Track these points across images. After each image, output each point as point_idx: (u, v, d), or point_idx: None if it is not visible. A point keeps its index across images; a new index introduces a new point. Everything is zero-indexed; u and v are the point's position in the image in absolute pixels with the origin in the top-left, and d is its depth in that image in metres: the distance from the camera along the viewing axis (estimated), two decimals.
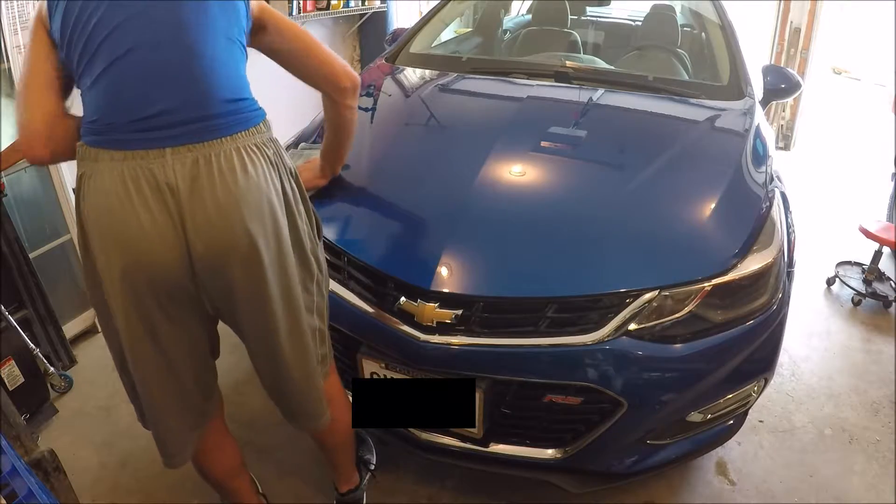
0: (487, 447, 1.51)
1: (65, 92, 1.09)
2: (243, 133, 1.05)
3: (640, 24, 3.13)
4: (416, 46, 2.56)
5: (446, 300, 1.37)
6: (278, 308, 1.12)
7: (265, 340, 1.15)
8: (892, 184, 3.25)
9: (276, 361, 1.18)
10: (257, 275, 1.07)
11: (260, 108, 1.12)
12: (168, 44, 1.00)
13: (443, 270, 1.39)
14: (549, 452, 1.49)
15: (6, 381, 1.87)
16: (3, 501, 0.92)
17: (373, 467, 1.70)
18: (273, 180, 1.08)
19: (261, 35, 1.18)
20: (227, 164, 1.02)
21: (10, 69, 2.01)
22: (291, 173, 1.16)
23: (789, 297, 1.57)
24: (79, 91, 1.06)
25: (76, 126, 1.06)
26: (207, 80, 1.02)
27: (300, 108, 3.80)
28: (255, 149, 1.06)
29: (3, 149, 2.03)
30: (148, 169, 0.98)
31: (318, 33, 4.06)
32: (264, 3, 1.19)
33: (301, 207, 1.17)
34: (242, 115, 1.06)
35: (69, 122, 1.07)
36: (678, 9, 2.99)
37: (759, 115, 2.04)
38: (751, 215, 1.55)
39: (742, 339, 1.43)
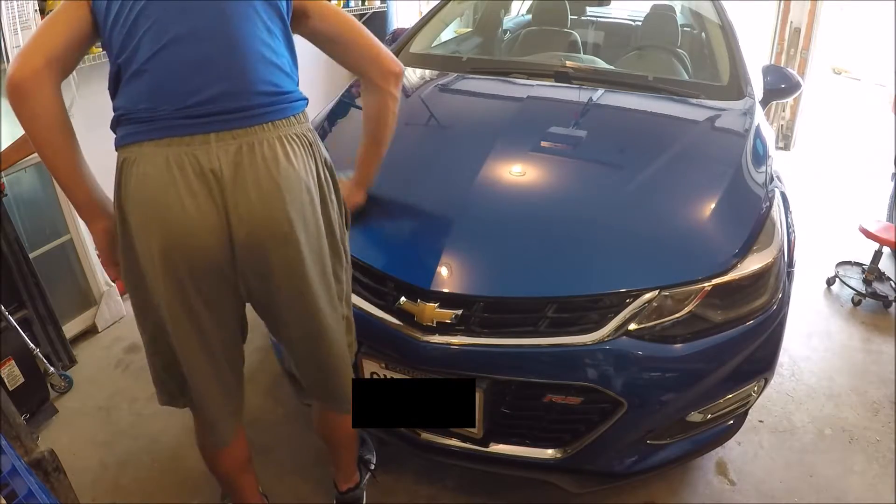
0: (487, 447, 1.51)
1: (72, 63, 1.08)
2: (283, 122, 1.07)
3: (640, 24, 3.13)
4: (416, 46, 2.56)
5: (446, 300, 1.37)
6: (318, 291, 1.15)
7: (306, 323, 1.18)
8: (892, 184, 3.25)
9: (317, 343, 1.22)
10: (297, 259, 1.09)
11: (302, 97, 1.14)
12: (209, 35, 1.02)
13: (443, 270, 1.39)
14: (549, 452, 1.49)
15: (6, 381, 1.87)
16: (3, 501, 0.92)
17: (373, 467, 1.71)
18: (311, 169, 1.11)
19: (304, 21, 1.19)
20: (270, 151, 1.04)
21: None
22: (326, 163, 1.18)
23: (789, 297, 1.57)
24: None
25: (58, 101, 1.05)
26: (247, 71, 1.04)
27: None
28: (294, 137, 1.09)
29: (3, 149, 2.04)
30: (193, 155, 1.00)
31: None
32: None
33: (334, 196, 1.20)
34: (282, 104, 1.08)
35: (56, 89, 1.05)
36: (678, 9, 2.99)
37: (759, 115, 2.04)
38: (751, 215, 1.55)
39: (742, 339, 1.43)
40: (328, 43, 1.25)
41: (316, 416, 1.47)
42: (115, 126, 1.07)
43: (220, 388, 1.22)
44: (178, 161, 1.00)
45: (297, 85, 1.16)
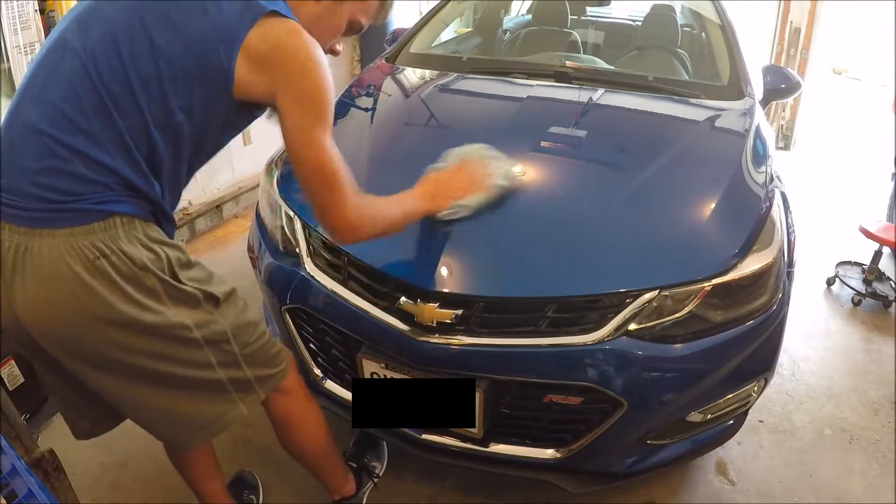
0: (487, 447, 1.51)
1: None
2: (67, 230, 0.97)
3: (640, 24, 3.13)
4: (416, 46, 2.55)
5: (446, 300, 1.37)
6: (112, 384, 1.11)
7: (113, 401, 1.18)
8: (892, 184, 3.25)
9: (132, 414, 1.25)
10: (75, 366, 1.08)
11: (109, 204, 0.99)
12: (25, 108, 1.00)
13: (443, 270, 1.39)
14: (549, 452, 1.49)
15: (6, 381, 1.87)
16: (3, 501, 0.92)
17: (377, 478, 1.70)
18: (96, 287, 0.98)
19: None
20: (47, 259, 0.97)
21: (10, 69, 2.02)
22: (146, 270, 1.02)
23: (789, 297, 1.57)
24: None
25: None
26: (25, 169, 0.98)
27: None
28: (73, 250, 0.97)
29: None
30: None
31: None
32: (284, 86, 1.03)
33: (166, 299, 1.05)
34: (66, 212, 0.97)
35: None
36: (678, 9, 2.99)
37: (759, 116, 2.04)
38: (751, 215, 1.55)
39: (742, 339, 1.43)
40: None
41: (278, 438, 1.44)
42: None
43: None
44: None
45: (130, 189, 1.00)
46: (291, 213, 1.62)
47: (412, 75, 2.33)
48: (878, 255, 2.88)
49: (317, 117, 1.05)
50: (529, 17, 3.29)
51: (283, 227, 1.64)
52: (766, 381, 1.60)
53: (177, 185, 1.13)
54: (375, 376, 1.50)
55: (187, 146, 1.07)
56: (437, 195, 1.40)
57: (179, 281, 1.07)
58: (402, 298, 1.39)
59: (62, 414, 1.27)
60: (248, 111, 1.09)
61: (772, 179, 1.76)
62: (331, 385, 1.65)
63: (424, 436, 1.54)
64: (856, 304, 2.82)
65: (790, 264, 1.61)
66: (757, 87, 2.24)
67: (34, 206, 0.96)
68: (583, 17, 3.39)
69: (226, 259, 3.06)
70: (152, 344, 1.06)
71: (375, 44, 4.14)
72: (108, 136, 0.97)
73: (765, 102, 2.28)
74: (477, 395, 1.40)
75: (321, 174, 1.09)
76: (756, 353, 1.48)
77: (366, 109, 2.11)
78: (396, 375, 1.46)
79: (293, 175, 1.16)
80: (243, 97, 1.03)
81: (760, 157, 1.80)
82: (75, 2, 2.15)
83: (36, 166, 0.96)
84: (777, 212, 1.62)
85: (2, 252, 0.98)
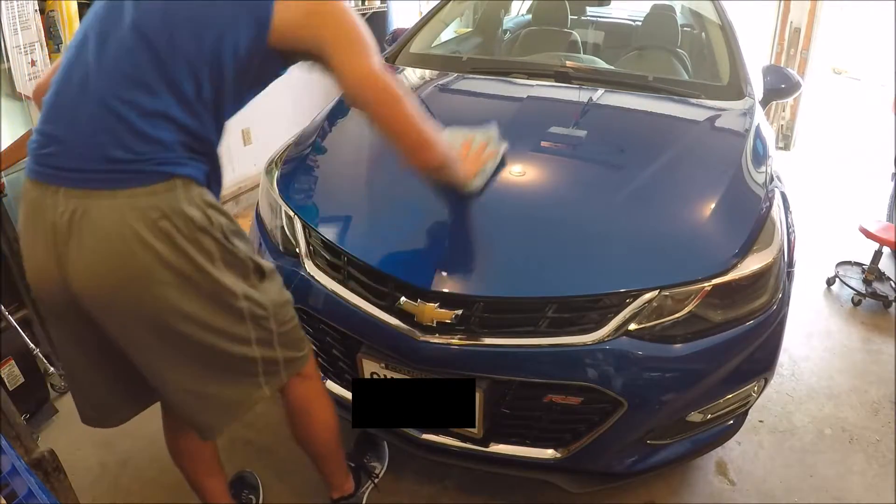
0: (487, 447, 1.51)
1: None
2: (128, 191, 0.99)
3: (640, 24, 3.13)
4: (416, 46, 2.55)
5: (446, 300, 1.37)
6: (162, 367, 1.12)
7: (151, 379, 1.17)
8: (892, 184, 3.25)
9: (164, 396, 1.22)
10: (128, 333, 1.07)
11: (169, 165, 1.01)
12: (85, 73, 1.01)
13: (443, 270, 1.39)
14: (549, 452, 1.49)
15: (6, 381, 1.87)
16: (3, 501, 0.92)
17: (377, 477, 1.69)
18: (157, 247, 1.00)
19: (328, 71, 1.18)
20: (107, 220, 0.99)
21: (10, 69, 2.02)
22: (205, 232, 1.05)
23: (789, 297, 1.57)
24: None
25: None
26: (93, 132, 0.99)
27: (302, 109, 3.81)
28: (135, 211, 0.99)
29: (3, 149, 2.04)
30: (43, 204, 1.01)
31: None
32: (328, 32, 1.08)
33: (220, 264, 1.08)
34: (130, 174, 0.99)
35: None
36: (678, 9, 2.99)
37: (759, 116, 2.04)
38: (751, 215, 1.55)
39: (742, 339, 1.43)
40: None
41: (288, 425, 1.44)
42: None
43: (107, 379, 1.21)
44: (34, 205, 1.02)
45: (184, 149, 1.04)
46: (291, 213, 1.62)
47: (412, 75, 2.33)
48: (878, 255, 2.88)
49: (364, 51, 1.10)
50: (529, 17, 3.29)
51: (283, 227, 1.64)
52: (766, 381, 1.60)
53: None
54: (375, 376, 1.50)
55: (228, 97, 1.09)
56: (467, 162, 1.50)
57: (234, 245, 1.10)
58: (402, 298, 1.39)
59: (74, 396, 1.24)
60: (278, 63, 1.13)
61: (772, 179, 1.76)
62: (331, 385, 1.65)
63: (424, 436, 1.54)
64: (856, 304, 2.82)
65: (790, 264, 1.61)
66: (757, 87, 2.24)
67: (94, 167, 0.98)
68: (583, 17, 3.39)
69: None
70: (202, 310, 1.07)
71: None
72: (162, 86, 0.99)
73: (765, 102, 2.28)
74: (477, 395, 1.40)
75: (387, 96, 1.14)
76: (756, 353, 1.48)
77: None
78: (396, 375, 1.46)
79: (362, 111, 1.17)
80: (279, 45, 1.07)
81: (760, 157, 1.80)
82: (75, 2, 2.16)
83: (96, 127, 0.98)
84: (777, 212, 1.62)
85: (55, 218, 0.99)
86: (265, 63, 1.10)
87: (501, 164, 1.61)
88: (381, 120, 1.18)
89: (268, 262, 1.21)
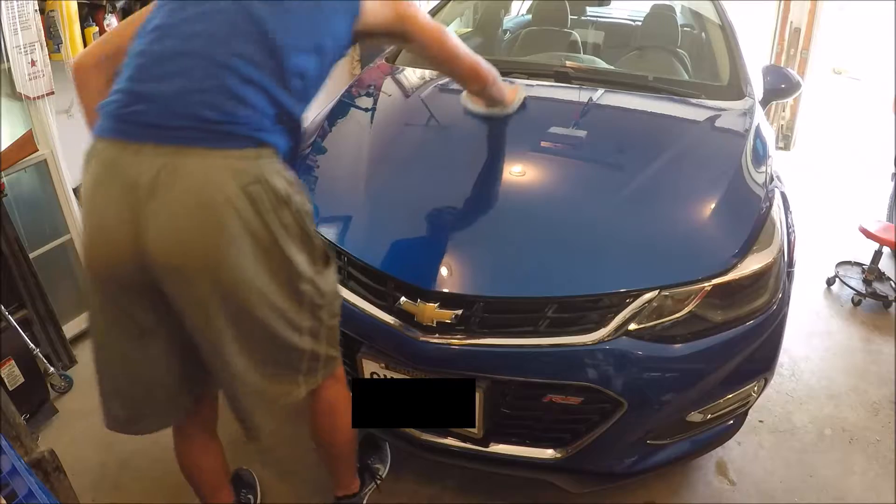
0: (487, 447, 1.51)
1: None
2: (222, 151, 0.99)
3: (640, 24, 3.13)
4: None
5: (446, 300, 1.37)
6: (226, 335, 1.07)
7: (214, 360, 1.13)
8: (892, 184, 3.25)
9: (225, 380, 1.17)
10: (202, 300, 1.03)
11: (265, 133, 1.04)
12: (189, 39, 1.02)
13: (443, 270, 1.39)
14: (549, 452, 1.49)
15: (6, 381, 1.87)
16: (3, 501, 0.92)
17: (380, 479, 1.70)
18: (244, 211, 1.00)
19: (406, 43, 1.35)
20: (198, 177, 0.97)
21: (10, 69, 2.01)
22: (287, 204, 1.07)
23: (789, 297, 1.57)
24: None
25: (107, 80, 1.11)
26: (196, 90, 1.00)
27: None
28: (236, 171, 0.99)
29: (3, 149, 2.04)
30: (122, 161, 0.98)
31: None
32: (408, 14, 1.28)
33: (295, 240, 1.09)
34: (223, 133, 0.99)
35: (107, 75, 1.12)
36: (678, 9, 2.98)
37: (760, 115, 2.04)
38: (751, 215, 1.55)
39: (742, 339, 1.43)
40: (430, 62, 1.54)
41: (310, 424, 1.44)
42: None
43: (138, 380, 1.17)
44: (111, 164, 0.99)
45: (275, 121, 1.06)
46: None
47: (412, 75, 2.33)
48: (878, 255, 2.88)
49: (426, 17, 1.34)
50: (529, 17, 3.29)
51: None
52: (766, 381, 1.60)
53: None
54: (375, 376, 1.50)
55: (319, 80, 1.15)
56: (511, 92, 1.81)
57: (307, 226, 1.12)
58: (402, 298, 1.39)
59: (104, 394, 1.20)
60: (349, 46, 1.22)
61: (772, 179, 1.76)
62: None
63: (425, 436, 1.54)
64: (856, 304, 2.82)
65: (790, 264, 1.61)
66: (757, 87, 2.24)
67: (189, 124, 0.97)
68: (583, 17, 3.38)
69: None
70: (270, 285, 1.06)
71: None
72: (267, 60, 1.03)
73: (765, 102, 2.27)
74: (477, 395, 1.40)
75: (447, 42, 1.41)
76: (756, 353, 1.48)
77: (366, 109, 2.11)
78: (396, 375, 1.46)
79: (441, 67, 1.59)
80: (361, 30, 1.20)
81: (760, 157, 1.80)
82: (75, 2, 2.16)
83: (194, 86, 0.98)
84: (777, 212, 1.62)
85: (138, 175, 0.96)
86: (346, 47, 1.20)
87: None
88: (451, 54, 1.44)
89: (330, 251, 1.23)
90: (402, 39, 1.35)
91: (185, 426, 1.36)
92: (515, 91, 1.84)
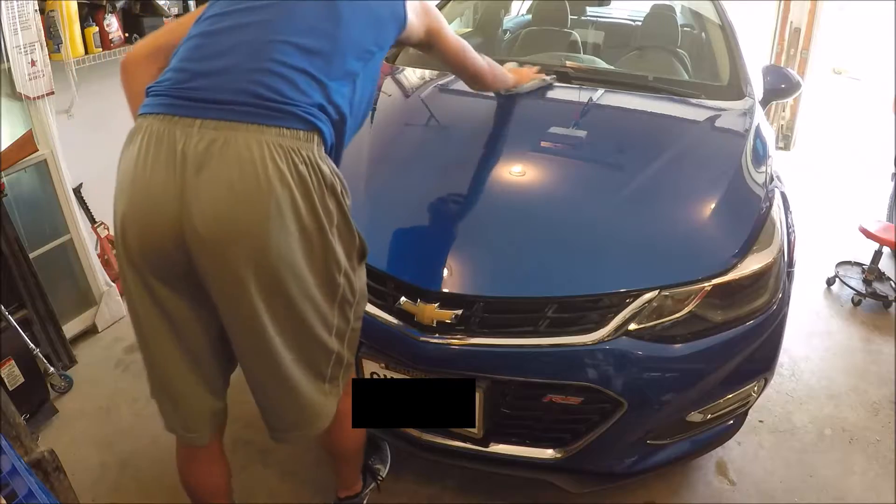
0: (487, 447, 1.51)
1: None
2: (275, 129, 0.99)
3: (640, 24, 3.13)
4: None
5: (446, 300, 1.37)
6: (265, 317, 1.05)
7: (249, 345, 1.11)
8: (892, 184, 3.25)
9: (260, 369, 1.15)
10: (237, 278, 1.01)
11: (315, 118, 1.04)
12: (245, 29, 1.05)
13: (443, 270, 1.39)
14: (549, 452, 1.49)
15: (6, 381, 1.87)
16: (3, 501, 0.92)
17: (381, 479, 1.70)
18: (294, 189, 1.00)
19: (429, 52, 1.46)
20: (247, 153, 0.97)
21: (10, 69, 2.01)
22: (333, 192, 1.08)
23: (789, 297, 1.57)
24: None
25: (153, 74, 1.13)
26: (253, 71, 1.02)
27: None
28: (287, 150, 1.00)
29: (3, 149, 2.04)
30: (173, 133, 0.98)
31: None
32: (440, 34, 1.41)
33: (336, 229, 1.10)
34: (276, 112, 1.01)
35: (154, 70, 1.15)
36: (678, 9, 2.98)
37: (760, 116, 2.04)
38: (751, 215, 1.55)
39: (742, 339, 1.43)
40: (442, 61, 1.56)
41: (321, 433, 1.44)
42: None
43: (191, 373, 1.16)
44: (160, 136, 0.98)
45: (323, 112, 1.07)
46: None
47: (412, 75, 2.33)
48: (878, 255, 2.88)
49: (448, 29, 1.48)
50: (529, 17, 3.29)
51: None
52: (766, 381, 1.60)
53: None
54: (375, 376, 1.50)
55: (368, 81, 1.20)
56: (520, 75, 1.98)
57: (348, 217, 1.13)
58: (402, 298, 1.39)
59: (153, 395, 1.21)
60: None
61: (772, 179, 1.76)
62: None
63: (425, 436, 1.54)
64: (856, 304, 2.82)
65: (790, 264, 1.61)
66: (757, 87, 2.24)
67: (244, 100, 0.98)
68: (583, 17, 3.38)
69: None
70: (309, 272, 1.06)
71: None
72: (331, 53, 1.08)
73: (765, 102, 2.27)
74: (477, 395, 1.40)
75: (467, 58, 1.59)
76: (756, 353, 1.48)
77: None
78: (396, 375, 1.46)
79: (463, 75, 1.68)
80: (402, 39, 1.30)
81: (760, 157, 1.80)
82: (75, 2, 2.16)
83: (249, 65, 1.01)
84: (777, 212, 1.62)
85: (187, 147, 0.97)
86: (384, 56, 1.25)
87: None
88: (465, 65, 1.60)
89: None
90: (422, 48, 1.45)
91: (184, 443, 1.32)
92: (523, 73, 1.97)
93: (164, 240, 1.00)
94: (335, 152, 1.14)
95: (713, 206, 1.56)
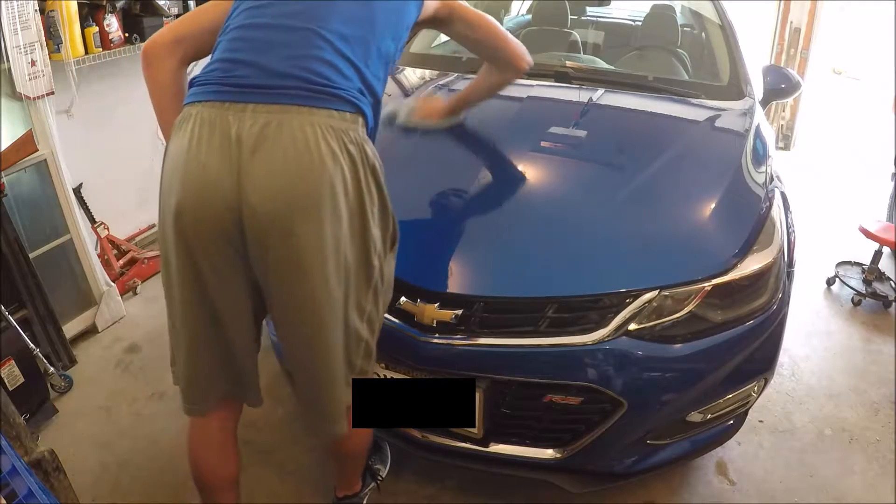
0: (487, 447, 1.51)
1: (204, 46, 1.19)
2: (323, 111, 1.04)
3: (640, 24, 3.13)
4: (416, 46, 2.55)
5: (446, 300, 1.37)
6: (321, 297, 1.08)
7: (301, 329, 1.12)
8: (892, 184, 3.25)
9: (310, 353, 1.16)
10: (296, 255, 1.04)
11: (357, 101, 1.09)
12: (287, 20, 1.08)
13: (443, 270, 1.40)
14: (549, 452, 1.49)
15: (6, 381, 1.87)
16: (3, 501, 0.92)
17: (381, 479, 1.70)
18: (349, 171, 1.05)
19: (451, 26, 1.40)
20: (300, 134, 1.01)
21: (10, 69, 2.01)
22: (375, 174, 1.12)
23: (789, 297, 1.57)
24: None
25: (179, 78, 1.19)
26: (299, 57, 1.06)
27: None
28: (334, 131, 1.04)
29: (3, 149, 2.04)
30: (225, 118, 1.01)
31: None
32: (456, 2, 1.37)
33: (376, 210, 1.14)
34: (323, 95, 1.05)
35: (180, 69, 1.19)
36: (678, 9, 2.98)
37: (759, 115, 2.04)
38: (751, 215, 1.55)
39: (742, 339, 1.43)
40: (473, 46, 1.52)
41: None
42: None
43: (211, 353, 1.17)
44: (212, 122, 1.01)
45: (364, 95, 1.12)
46: None
47: (412, 75, 2.33)
48: (878, 255, 2.88)
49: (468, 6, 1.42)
50: (529, 17, 3.29)
51: None
52: (766, 381, 1.60)
53: None
54: (375, 376, 1.50)
55: (393, 62, 1.23)
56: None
57: (386, 200, 1.16)
58: (402, 298, 1.39)
59: (177, 380, 1.22)
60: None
61: (772, 179, 1.76)
62: None
63: (425, 436, 1.54)
64: (856, 304, 2.82)
65: (790, 264, 1.61)
66: (757, 87, 2.24)
67: (294, 84, 1.03)
68: (583, 17, 3.38)
69: None
70: (350, 252, 1.09)
71: None
72: (368, 39, 1.12)
73: (765, 102, 2.28)
74: (477, 395, 1.40)
75: (491, 24, 1.47)
76: (756, 353, 1.48)
77: None
78: (396, 375, 1.46)
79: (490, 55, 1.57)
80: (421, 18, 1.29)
81: (760, 157, 1.80)
82: (75, 2, 2.16)
83: (295, 52, 1.05)
84: (777, 212, 1.62)
85: (241, 131, 1.00)
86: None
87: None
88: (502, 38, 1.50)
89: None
90: (444, 24, 1.42)
91: (208, 425, 1.32)
92: (435, 108, 1.82)
93: (223, 222, 1.03)
94: (373, 135, 1.18)
95: (713, 206, 1.56)
